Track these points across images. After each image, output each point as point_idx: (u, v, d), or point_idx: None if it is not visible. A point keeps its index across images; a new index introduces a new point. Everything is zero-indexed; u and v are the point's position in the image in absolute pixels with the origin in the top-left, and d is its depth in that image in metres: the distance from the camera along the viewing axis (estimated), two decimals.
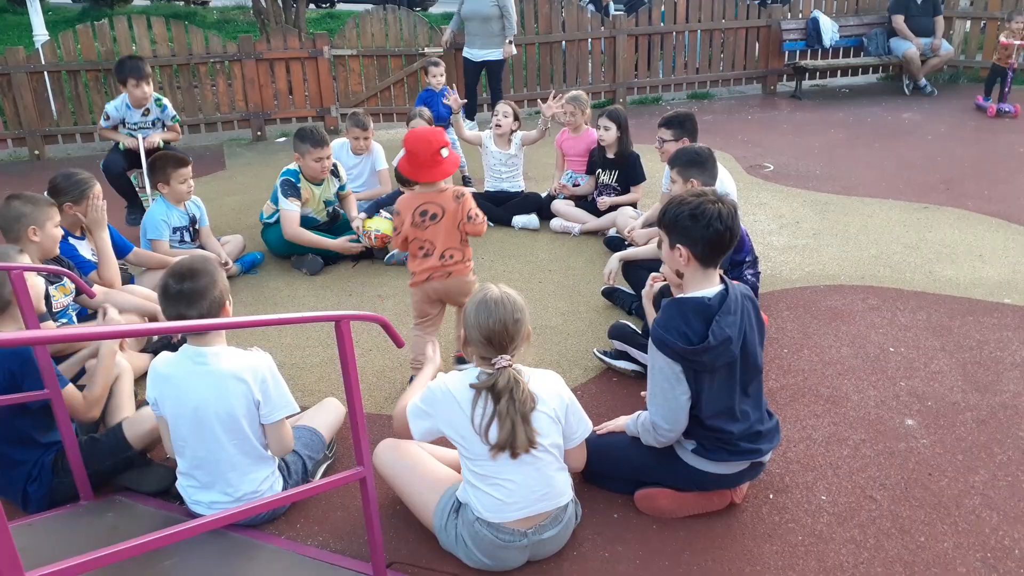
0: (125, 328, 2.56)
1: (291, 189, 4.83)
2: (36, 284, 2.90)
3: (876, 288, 4.45)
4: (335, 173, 5.12)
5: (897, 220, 5.50)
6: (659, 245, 2.87)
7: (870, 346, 3.81)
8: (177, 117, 5.91)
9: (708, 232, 2.37)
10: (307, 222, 4.99)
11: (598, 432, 2.79)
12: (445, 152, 3.22)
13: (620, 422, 2.80)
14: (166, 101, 5.71)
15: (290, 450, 2.63)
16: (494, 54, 8.09)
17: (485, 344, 2.30)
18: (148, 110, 5.60)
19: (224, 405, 2.41)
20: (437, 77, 6.79)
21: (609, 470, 2.76)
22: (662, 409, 2.47)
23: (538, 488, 2.35)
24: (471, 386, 2.31)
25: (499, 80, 8.40)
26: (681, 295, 2.53)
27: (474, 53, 8.14)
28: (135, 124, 5.60)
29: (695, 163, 3.73)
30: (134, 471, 2.84)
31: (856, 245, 5.08)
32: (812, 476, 2.87)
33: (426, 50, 8.71)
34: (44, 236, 3.35)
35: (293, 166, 4.92)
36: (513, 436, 2.25)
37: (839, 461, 2.95)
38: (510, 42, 8.05)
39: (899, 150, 7.41)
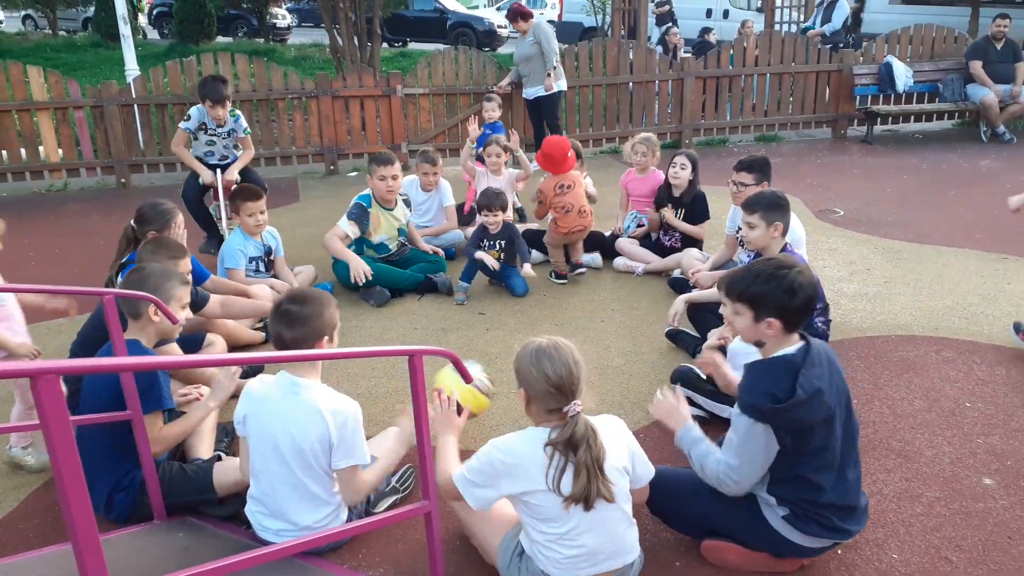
0: (214, 358, 2.66)
1: (357, 212, 5.04)
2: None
3: (951, 340, 4.32)
4: (407, 203, 5.31)
5: (974, 270, 5.34)
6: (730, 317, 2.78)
7: (945, 400, 3.69)
8: (249, 130, 6.22)
9: (802, 302, 2.41)
10: (380, 249, 5.18)
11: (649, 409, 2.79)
12: (571, 153, 5.19)
13: (678, 419, 2.72)
14: (239, 112, 6.06)
15: (361, 499, 2.67)
16: (540, 91, 8.40)
17: (555, 394, 2.20)
18: (224, 121, 5.97)
19: (302, 438, 2.47)
20: (490, 112, 7.25)
21: (679, 510, 2.70)
22: (743, 465, 2.43)
23: (608, 546, 2.30)
24: (548, 444, 2.21)
25: (552, 115, 8.58)
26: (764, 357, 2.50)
27: (527, 92, 8.60)
28: (213, 130, 5.95)
29: (778, 207, 3.70)
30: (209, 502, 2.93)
31: (930, 295, 4.95)
32: (883, 533, 2.79)
33: (494, 88, 8.90)
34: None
35: (367, 191, 5.15)
36: (588, 487, 2.16)
37: (912, 519, 2.86)
38: (548, 75, 8.26)
39: (976, 198, 7.21)
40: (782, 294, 2.40)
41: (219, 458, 3.00)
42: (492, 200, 5.10)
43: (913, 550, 2.70)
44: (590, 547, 2.26)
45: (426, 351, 2.21)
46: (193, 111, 5.98)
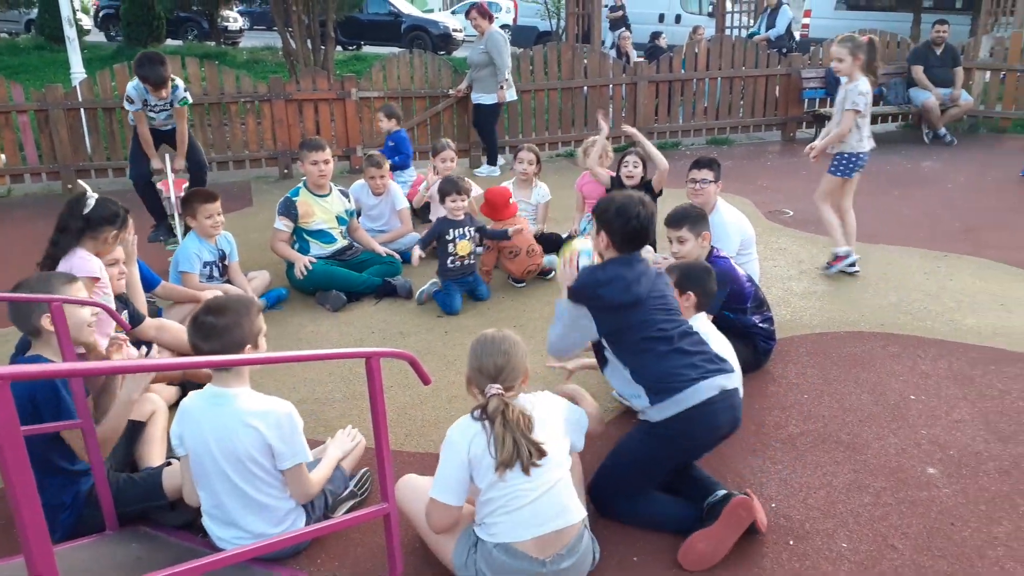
0: (149, 363, 2.62)
1: (284, 209, 5.17)
2: (75, 312, 2.94)
3: (897, 335, 4.45)
4: (344, 194, 5.39)
5: (917, 268, 5.51)
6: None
7: (891, 393, 3.80)
8: (186, 100, 6.16)
9: (627, 227, 2.86)
10: (324, 237, 5.21)
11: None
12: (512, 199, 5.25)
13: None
14: (180, 82, 6.03)
15: (313, 496, 2.65)
16: (482, 99, 8.53)
17: (478, 375, 2.47)
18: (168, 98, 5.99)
19: (237, 448, 2.44)
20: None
21: (619, 483, 2.88)
22: (553, 328, 3.01)
23: (551, 506, 2.39)
24: (472, 416, 2.43)
25: (489, 123, 8.70)
26: None
27: (474, 97, 8.69)
28: (153, 105, 5.95)
29: (700, 217, 3.89)
30: (162, 510, 2.88)
31: (876, 292, 5.09)
32: (833, 523, 2.87)
33: (450, 92, 8.93)
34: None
35: (296, 186, 5.28)
36: (517, 450, 2.33)
37: (860, 509, 2.94)
38: (501, 87, 8.35)
39: (918, 198, 7.44)
40: (612, 213, 2.89)
41: (169, 463, 2.95)
42: (453, 185, 5.07)
43: (862, 539, 2.78)
44: (532, 509, 2.36)
45: (384, 353, 2.21)
46: (132, 91, 5.88)
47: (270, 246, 5.24)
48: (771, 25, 12.04)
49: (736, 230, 4.47)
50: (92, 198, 3.66)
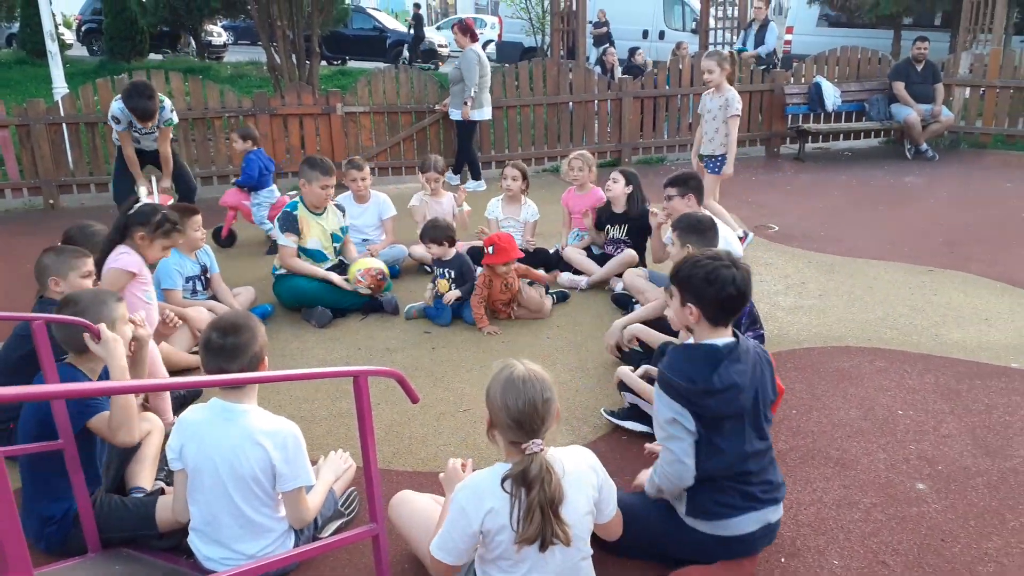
0: (155, 383, 2.58)
1: (287, 224, 5.05)
2: (123, 331, 2.90)
3: (883, 350, 4.46)
4: (340, 209, 5.33)
5: (902, 282, 5.55)
6: (668, 299, 2.98)
7: (879, 408, 3.81)
8: (171, 121, 6.12)
9: (721, 295, 2.46)
10: (315, 255, 5.14)
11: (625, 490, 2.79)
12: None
13: (642, 479, 2.79)
14: (167, 102, 6.00)
15: (308, 522, 2.61)
16: (455, 114, 8.60)
17: (515, 428, 2.11)
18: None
19: (242, 466, 2.42)
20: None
21: (628, 540, 2.66)
22: (678, 445, 2.46)
23: None
24: (503, 483, 2.11)
25: (464, 140, 8.73)
26: (691, 342, 2.59)
27: (451, 112, 8.76)
28: (137, 129, 5.94)
29: (695, 230, 3.81)
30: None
31: (862, 307, 5.12)
32: (824, 540, 2.85)
33: (435, 107, 8.94)
34: (66, 286, 3.37)
35: (292, 200, 5.18)
36: (543, 528, 2.07)
37: (851, 525, 2.93)
38: (465, 103, 8.43)
39: (902, 213, 7.50)
40: (701, 281, 2.48)
41: (162, 491, 2.90)
42: (437, 232, 5.07)
43: (853, 556, 2.77)
44: None
45: (372, 371, 2.18)
46: (118, 112, 5.84)
47: (283, 264, 5.08)
48: (760, 42, 12.14)
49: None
50: (139, 201, 3.90)
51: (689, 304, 2.52)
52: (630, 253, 5.36)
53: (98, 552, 2.72)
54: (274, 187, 6.70)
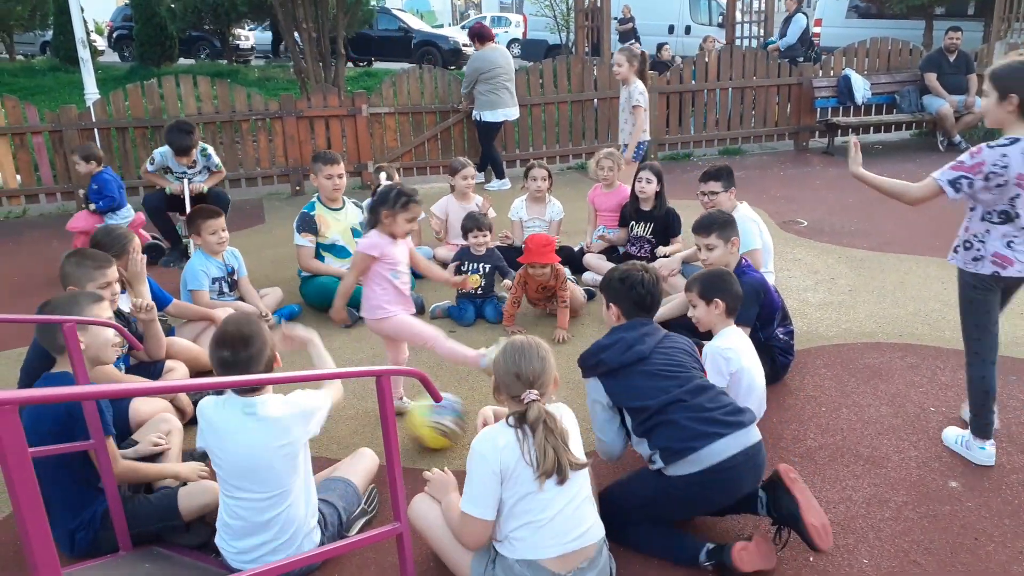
0: (175, 384, 2.61)
1: (304, 224, 5.13)
2: (100, 333, 2.96)
3: (915, 346, 4.39)
4: (358, 206, 5.41)
5: (935, 277, 5.45)
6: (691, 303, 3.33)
7: (910, 405, 3.74)
8: (220, 164, 6.32)
9: (632, 294, 2.88)
10: (339, 252, 5.20)
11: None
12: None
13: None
14: (211, 150, 6.10)
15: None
16: (476, 114, 8.70)
17: (514, 382, 2.40)
18: (194, 162, 5.96)
19: (269, 454, 2.46)
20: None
21: (628, 514, 2.78)
22: (597, 426, 2.90)
23: (576, 522, 2.38)
24: (507, 421, 2.40)
25: (485, 139, 8.78)
26: None
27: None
28: (181, 172, 5.94)
29: (729, 223, 3.80)
30: (177, 531, 2.87)
31: (893, 302, 5.03)
32: (853, 539, 2.81)
33: (459, 107, 8.97)
34: None
35: (310, 201, 5.26)
36: (558, 461, 2.31)
37: (881, 524, 2.89)
38: (462, 102, 8.66)
39: (934, 207, 7.31)
40: (618, 283, 2.96)
41: (184, 484, 2.94)
42: (477, 221, 5.15)
43: (883, 555, 2.73)
44: (557, 524, 2.34)
45: (394, 371, 2.20)
46: (156, 154, 6.05)
47: (301, 265, 5.20)
48: (783, 34, 12.01)
49: (753, 224, 4.50)
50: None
51: (611, 305, 2.99)
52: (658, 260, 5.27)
53: (129, 551, 2.77)
54: (128, 206, 6.35)
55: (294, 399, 2.55)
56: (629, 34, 14.34)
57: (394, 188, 3.56)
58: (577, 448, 2.44)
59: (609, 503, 2.77)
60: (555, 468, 2.31)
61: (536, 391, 2.38)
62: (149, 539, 2.82)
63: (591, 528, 2.43)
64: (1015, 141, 2.91)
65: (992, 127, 3.10)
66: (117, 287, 3.57)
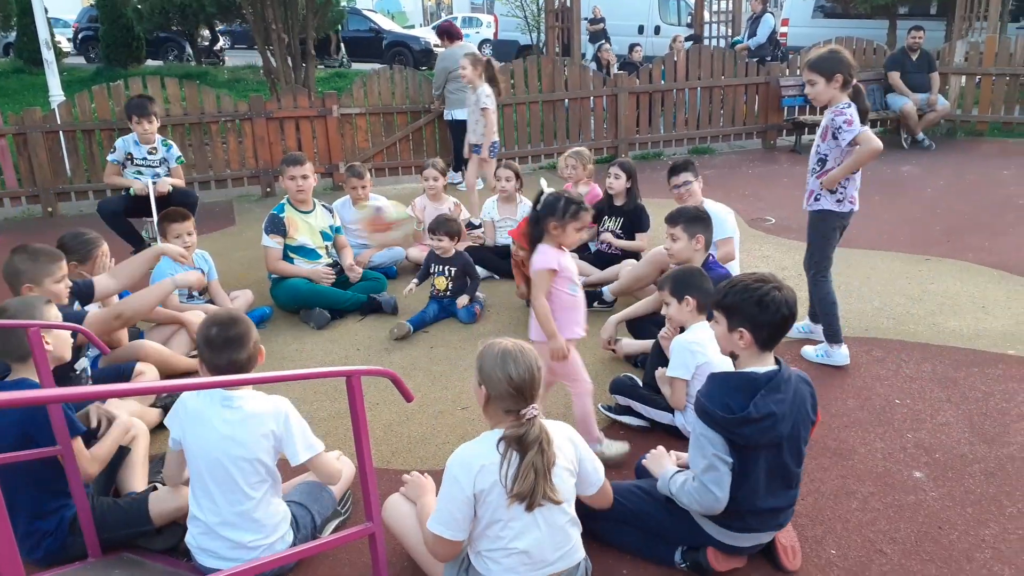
0: (142, 386, 2.59)
1: (272, 226, 5.11)
2: (61, 335, 2.92)
3: (880, 340, 4.47)
4: (329, 210, 5.38)
5: (899, 272, 5.55)
6: (664, 304, 3.11)
7: (876, 398, 3.81)
8: (182, 159, 6.23)
9: (775, 318, 2.44)
10: (308, 254, 5.17)
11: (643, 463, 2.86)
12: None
13: (653, 465, 2.80)
14: (172, 143, 6.06)
15: (337, 480, 2.72)
16: (447, 114, 8.73)
17: (515, 396, 2.25)
18: (155, 148, 5.93)
19: (246, 448, 2.46)
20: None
21: (630, 528, 2.74)
22: (712, 476, 2.45)
23: (552, 551, 2.32)
24: (501, 439, 2.24)
25: (456, 138, 8.60)
26: (730, 370, 2.59)
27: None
28: (142, 159, 5.88)
29: (700, 220, 3.85)
30: (147, 534, 2.84)
31: (859, 297, 5.12)
32: (821, 530, 2.86)
33: (430, 107, 8.95)
34: (40, 293, 3.32)
35: (280, 202, 5.23)
36: (535, 487, 2.20)
37: (848, 514, 2.94)
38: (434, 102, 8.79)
39: (899, 203, 7.50)
40: (754, 306, 2.45)
41: (154, 488, 2.92)
42: (440, 225, 5.11)
43: (850, 545, 2.78)
44: (533, 551, 2.28)
45: (365, 371, 2.20)
46: (118, 142, 5.97)
47: (267, 267, 5.18)
48: (752, 33, 12.14)
49: (727, 214, 4.69)
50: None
51: (740, 329, 2.49)
52: (628, 262, 5.29)
53: (98, 557, 2.73)
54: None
55: (297, 423, 2.53)
56: (599, 34, 14.40)
57: (561, 196, 3.22)
58: (562, 473, 2.31)
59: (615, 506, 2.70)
60: (529, 494, 2.20)
61: (536, 405, 2.27)
62: (119, 545, 2.79)
63: (570, 551, 2.38)
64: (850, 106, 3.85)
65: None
66: (68, 281, 3.51)
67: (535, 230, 3.23)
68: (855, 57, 10.64)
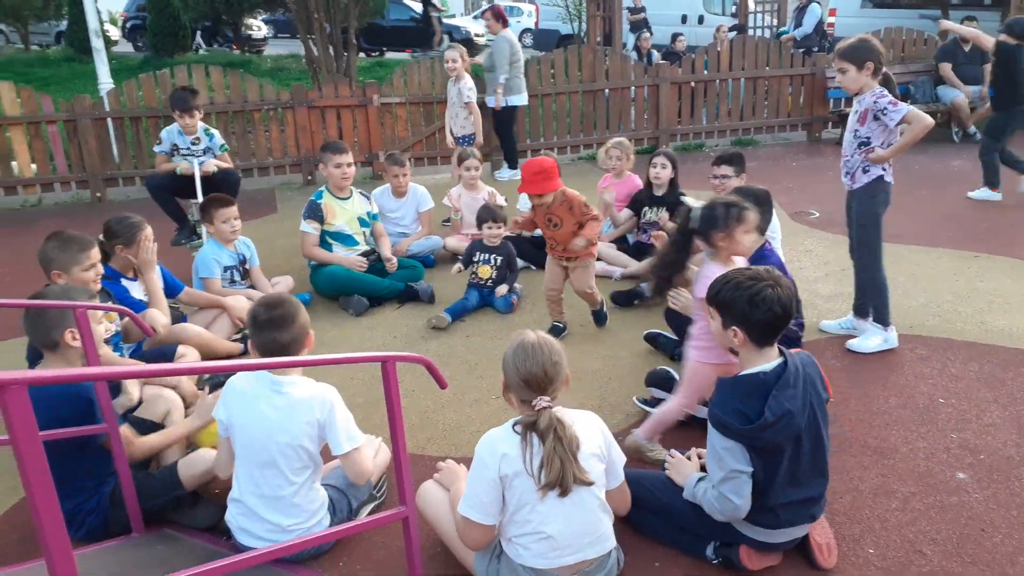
0: (182, 366, 2.65)
1: (310, 212, 5.18)
2: (97, 325, 3.00)
3: (925, 338, 4.37)
4: (365, 196, 5.43)
5: (947, 269, 5.42)
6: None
7: (919, 397, 3.73)
8: (226, 147, 6.32)
9: (767, 316, 2.40)
10: (345, 240, 5.23)
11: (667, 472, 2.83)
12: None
13: (683, 475, 2.77)
14: (215, 131, 6.12)
15: (368, 477, 2.71)
16: (490, 101, 8.53)
17: (525, 387, 2.29)
18: (198, 139, 6.03)
19: (292, 435, 2.50)
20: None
21: (659, 511, 2.74)
22: (730, 486, 2.44)
23: (584, 536, 2.32)
24: (514, 427, 2.30)
25: (504, 127, 8.64)
26: (737, 374, 2.53)
27: (487, 99, 8.64)
28: (187, 149, 5.99)
29: (758, 202, 3.74)
30: (185, 507, 2.91)
31: (904, 293, 5.01)
32: (859, 529, 2.82)
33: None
34: (70, 279, 3.41)
35: (319, 189, 5.29)
36: (563, 474, 2.21)
37: (887, 514, 2.89)
38: (496, 90, 8.37)
39: (948, 198, 7.31)
40: (745, 304, 2.42)
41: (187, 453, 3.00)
42: (492, 213, 5.14)
43: (889, 544, 2.73)
44: (564, 536, 2.29)
45: (400, 357, 2.21)
46: (163, 133, 6.11)
47: (303, 252, 5.27)
48: (798, 24, 11.92)
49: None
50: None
51: (733, 327, 2.46)
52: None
53: (141, 532, 2.81)
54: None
55: (341, 414, 2.56)
56: (640, 24, 14.24)
57: (715, 204, 3.03)
58: (590, 459, 2.31)
59: (641, 498, 2.70)
60: (559, 481, 2.21)
61: (548, 397, 2.29)
62: (158, 516, 2.87)
63: (601, 537, 2.37)
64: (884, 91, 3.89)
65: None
66: (100, 268, 3.59)
67: (682, 252, 3.09)
68: (904, 48, 10.47)
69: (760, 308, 2.38)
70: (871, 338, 4.23)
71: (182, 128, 6.00)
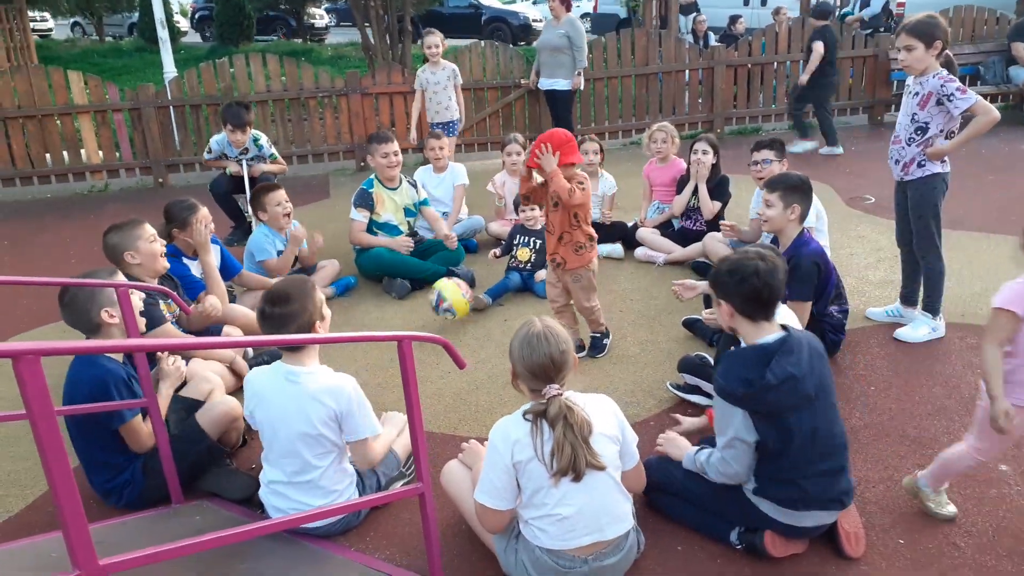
0: (215, 340, 2.74)
1: (361, 200, 5.27)
2: (151, 250, 3.13)
3: (976, 327, 4.22)
4: (413, 185, 5.49)
5: (1007, 256, 5.21)
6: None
7: (965, 387, 3.61)
8: (275, 154, 6.40)
9: (744, 289, 2.45)
10: (391, 230, 5.32)
11: (657, 450, 2.89)
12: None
13: (680, 448, 2.81)
14: (264, 141, 6.24)
15: (374, 465, 2.78)
16: (558, 84, 8.12)
17: (532, 378, 2.32)
18: (246, 149, 6.14)
19: (307, 424, 2.57)
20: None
21: (681, 493, 2.75)
22: (731, 453, 2.49)
23: (600, 517, 2.34)
24: (524, 415, 2.32)
25: (564, 110, 8.33)
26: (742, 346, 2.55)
27: (543, 83, 8.26)
28: (236, 158, 6.10)
29: (798, 190, 3.70)
30: (221, 477, 3.02)
31: (959, 281, 4.84)
32: (890, 519, 2.76)
33: (520, 81, 8.95)
34: (141, 255, 3.57)
35: (369, 177, 5.38)
36: (574, 459, 2.23)
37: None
38: (578, 74, 8.06)
39: (1016, 184, 7.01)
40: (726, 275, 2.50)
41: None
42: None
43: (921, 535, 2.67)
44: (579, 517, 2.30)
45: (416, 337, 2.26)
46: (212, 143, 6.20)
47: (350, 238, 5.36)
48: (865, 4, 11.52)
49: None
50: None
51: (720, 301, 2.53)
52: (713, 235, 5.16)
53: (180, 503, 2.93)
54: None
55: (358, 403, 2.61)
56: (691, 6, 13.95)
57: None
58: (602, 442, 2.32)
59: (647, 470, 2.72)
60: (571, 466, 2.23)
61: (557, 385, 2.30)
62: (191, 475, 3.00)
63: (617, 518, 2.38)
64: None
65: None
66: (162, 242, 3.72)
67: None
68: (975, 27, 10.03)
69: (745, 283, 2.44)
70: (920, 328, 4.11)
71: (231, 141, 6.14)
